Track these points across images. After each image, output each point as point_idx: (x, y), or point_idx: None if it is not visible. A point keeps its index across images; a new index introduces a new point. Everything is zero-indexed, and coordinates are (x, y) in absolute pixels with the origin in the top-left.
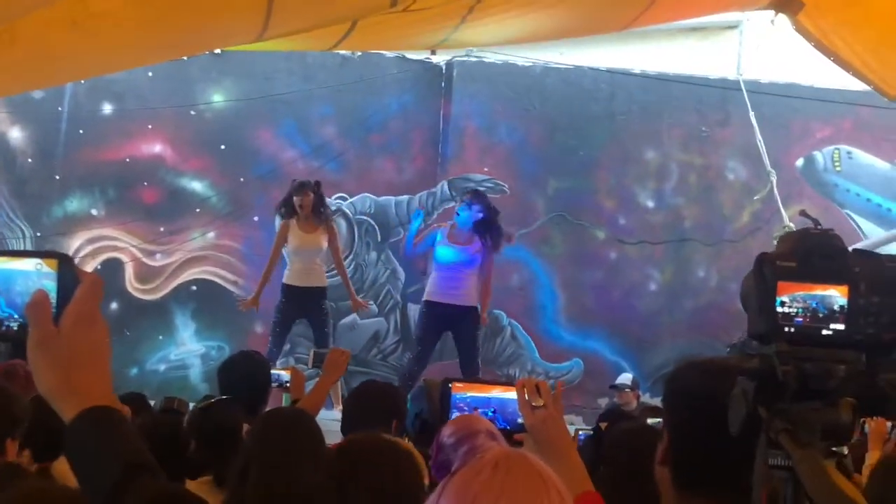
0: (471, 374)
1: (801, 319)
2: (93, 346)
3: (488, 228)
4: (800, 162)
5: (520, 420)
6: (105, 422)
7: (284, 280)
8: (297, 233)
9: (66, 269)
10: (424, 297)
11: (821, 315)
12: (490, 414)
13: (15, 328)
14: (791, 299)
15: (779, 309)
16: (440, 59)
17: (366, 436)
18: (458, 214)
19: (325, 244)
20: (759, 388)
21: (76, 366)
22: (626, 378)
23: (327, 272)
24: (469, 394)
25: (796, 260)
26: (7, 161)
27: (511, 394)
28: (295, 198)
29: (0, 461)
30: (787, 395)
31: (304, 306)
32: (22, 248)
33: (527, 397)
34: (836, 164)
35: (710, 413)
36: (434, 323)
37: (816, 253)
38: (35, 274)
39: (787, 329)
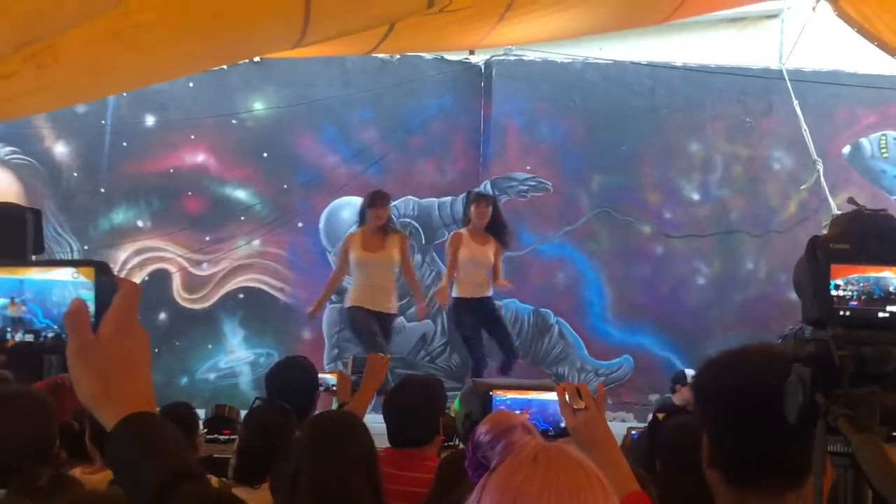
0: None
1: (856, 302)
2: (132, 353)
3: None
4: (846, 149)
5: (562, 424)
6: (147, 428)
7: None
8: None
9: (104, 277)
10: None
11: (876, 297)
12: (531, 415)
13: (52, 339)
14: (846, 282)
15: (833, 292)
16: (479, 58)
17: None
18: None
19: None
20: (816, 374)
21: (116, 373)
22: (687, 373)
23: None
24: (510, 396)
25: (850, 242)
26: (53, 176)
27: (551, 395)
28: (373, 209)
29: (54, 471)
30: (845, 380)
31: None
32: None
33: (568, 400)
34: (884, 150)
35: (742, 405)
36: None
37: (870, 234)
38: (71, 284)
39: (842, 313)
